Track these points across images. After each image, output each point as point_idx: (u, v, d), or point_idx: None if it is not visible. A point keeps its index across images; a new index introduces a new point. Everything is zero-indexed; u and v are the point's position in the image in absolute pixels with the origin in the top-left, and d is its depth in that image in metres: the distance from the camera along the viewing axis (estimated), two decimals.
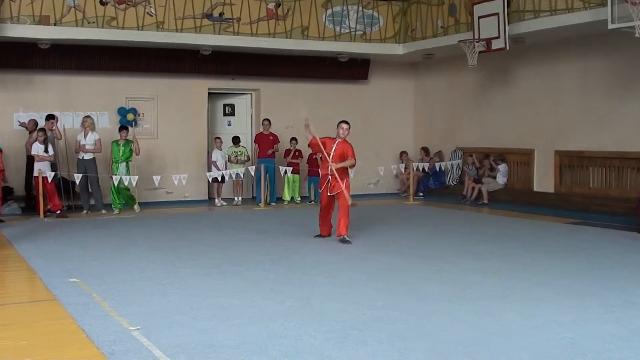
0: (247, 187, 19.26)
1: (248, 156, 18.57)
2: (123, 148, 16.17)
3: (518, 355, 5.71)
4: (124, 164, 16.17)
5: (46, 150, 15.38)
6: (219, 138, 18.39)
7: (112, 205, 16.15)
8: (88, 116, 16.42)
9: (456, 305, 7.39)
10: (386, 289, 8.20)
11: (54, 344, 6.12)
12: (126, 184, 16.03)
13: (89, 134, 16.04)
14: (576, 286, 8.30)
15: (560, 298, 7.69)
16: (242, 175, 17.94)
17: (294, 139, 18.74)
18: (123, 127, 16.53)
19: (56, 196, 15.38)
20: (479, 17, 16.33)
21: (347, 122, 12.21)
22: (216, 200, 17.92)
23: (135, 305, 7.36)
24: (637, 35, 12.58)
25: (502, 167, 18.20)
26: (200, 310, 7.12)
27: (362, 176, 19.94)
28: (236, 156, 18.27)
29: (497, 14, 15.85)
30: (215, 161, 18.03)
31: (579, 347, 5.93)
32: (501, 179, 18.20)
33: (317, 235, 12.14)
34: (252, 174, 17.98)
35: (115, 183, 15.98)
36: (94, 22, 16.20)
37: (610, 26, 13.28)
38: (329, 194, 11.81)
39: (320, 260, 10.16)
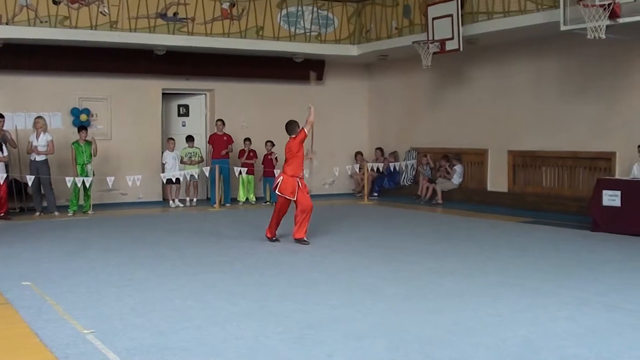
0: (201, 188, 19.15)
1: (202, 157, 18.44)
2: (85, 148, 16.02)
3: (474, 353, 5.75)
4: (89, 165, 16.04)
5: (1, 151, 15.17)
6: (171, 139, 18.23)
7: (69, 208, 15.94)
8: (40, 117, 16.19)
9: (413, 304, 7.43)
10: (343, 288, 8.21)
11: (6, 348, 6.02)
12: (88, 185, 15.91)
13: (41, 135, 15.83)
14: (530, 284, 8.39)
15: (515, 296, 7.76)
16: (197, 177, 17.85)
17: (247, 139, 18.67)
18: (82, 127, 16.35)
19: (5, 198, 15.16)
20: (433, 19, 16.43)
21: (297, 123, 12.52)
22: (170, 201, 17.78)
23: (89, 308, 7.28)
24: (589, 36, 12.75)
25: (457, 168, 18.34)
26: (155, 313, 7.06)
27: (318, 176, 19.97)
28: (190, 157, 18.14)
29: (451, 15, 15.97)
30: (164, 163, 17.90)
31: (533, 344, 5.99)
32: (456, 180, 18.35)
33: (275, 239, 11.92)
34: (207, 174, 17.89)
35: (87, 184, 15.83)
36: (46, 22, 15.98)
37: (563, 28, 13.45)
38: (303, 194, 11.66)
39: (277, 261, 10.14)
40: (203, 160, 18.41)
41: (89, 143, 16.15)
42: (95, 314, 7.03)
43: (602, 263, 9.91)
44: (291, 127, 12.23)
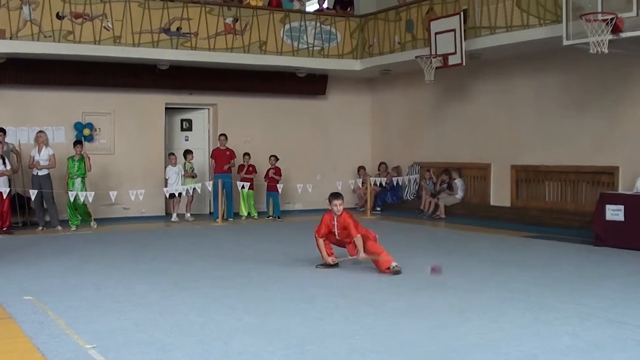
0: (202, 202, 19.13)
1: (195, 173, 18.41)
2: (78, 163, 16.00)
3: None
4: (79, 179, 16.01)
5: (4, 165, 15.18)
6: (173, 154, 18.22)
7: (69, 222, 15.95)
8: (42, 131, 16.20)
9: (415, 319, 7.41)
10: (345, 303, 8.19)
11: None
12: (82, 200, 15.88)
13: (43, 149, 15.83)
14: (533, 299, 8.37)
15: (518, 311, 7.74)
16: (199, 190, 17.78)
17: (247, 154, 18.61)
18: (78, 142, 16.38)
19: (8, 213, 15.14)
20: (436, 33, 16.48)
21: (338, 197, 10.82)
22: (173, 216, 17.72)
23: (91, 323, 7.26)
24: (591, 51, 12.77)
25: (458, 182, 18.35)
26: (158, 328, 7.04)
27: (320, 191, 19.94)
28: (192, 170, 18.12)
29: (454, 30, 16.02)
30: (167, 178, 17.87)
31: (536, 359, 5.98)
32: (458, 194, 18.34)
33: (329, 265, 10.68)
34: (210, 189, 17.88)
35: (72, 199, 15.80)
36: (50, 36, 16.03)
37: (565, 42, 13.47)
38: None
39: (280, 276, 10.11)
40: (196, 176, 18.32)
41: (83, 158, 16.13)
42: (97, 328, 7.01)
43: (605, 278, 9.89)
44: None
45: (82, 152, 16.13)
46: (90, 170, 16.32)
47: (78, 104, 17.86)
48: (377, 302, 8.30)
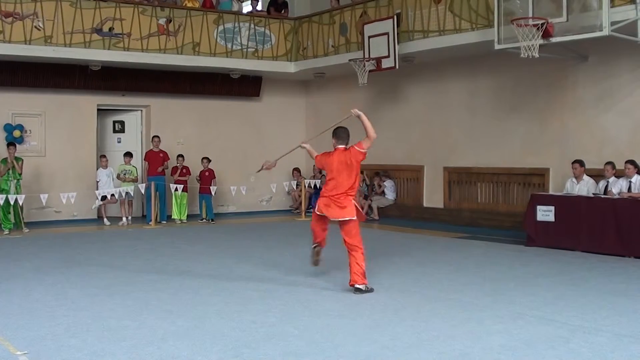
0: (136, 205, 18.89)
1: (136, 176, 18.12)
2: (12, 166, 15.70)
3: None
4: (14, 182, 15.69)
5: None
6: (104, 156, 17.93)
7: (2, 226, 15.61)
8: None
9: (349, 320, 7.45)
10: (280, 305, 8.18)
11: None
12: (14, 202, 15.53)
13: None
14: (466, 299, 8.48)
15: (451, 311, 7.83)
16: (132, 194, 17.56)
17: (180, 155, 18.40)
18: (11, 144, 16.06)
19: None
20: (369, 37, 16.54)
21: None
22: (103, 219, 17.44)
23: (22, 328, 7.13)
24: (522, 55, 12.94)
25: (387, 183, 18.49)
26: (90, 333, 6.94)
27: (255, 193, 19.97)
28: (125, 174, 17.88)
29: (387, 33, 16.10)
30: (98, 181, 17.63)
31: (469, 358, 6.05)
32: (390, 195, 18.48)
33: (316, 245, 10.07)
34: (142, 191, 17.67)
35: (11, 202, 15.45)
36: None
37: (497, 47, 13.64)
38: (326, 216, 9.83)
39: (213, 279, 10.06)
40: (137, 181, 18.09)
41: (17, 159, 15.83)
42: (28, 334, 6.89)
43: (535, 277, 10.06)
44: (344, 134, 10.04)
45: (15, 154, 15.82)
46: (21, 173, 15.99)
47: (7, 105, 17.50)
48: (311, 303, 8.31)
